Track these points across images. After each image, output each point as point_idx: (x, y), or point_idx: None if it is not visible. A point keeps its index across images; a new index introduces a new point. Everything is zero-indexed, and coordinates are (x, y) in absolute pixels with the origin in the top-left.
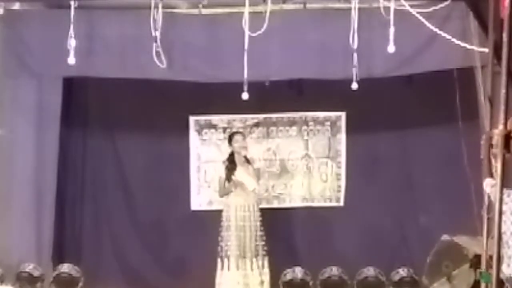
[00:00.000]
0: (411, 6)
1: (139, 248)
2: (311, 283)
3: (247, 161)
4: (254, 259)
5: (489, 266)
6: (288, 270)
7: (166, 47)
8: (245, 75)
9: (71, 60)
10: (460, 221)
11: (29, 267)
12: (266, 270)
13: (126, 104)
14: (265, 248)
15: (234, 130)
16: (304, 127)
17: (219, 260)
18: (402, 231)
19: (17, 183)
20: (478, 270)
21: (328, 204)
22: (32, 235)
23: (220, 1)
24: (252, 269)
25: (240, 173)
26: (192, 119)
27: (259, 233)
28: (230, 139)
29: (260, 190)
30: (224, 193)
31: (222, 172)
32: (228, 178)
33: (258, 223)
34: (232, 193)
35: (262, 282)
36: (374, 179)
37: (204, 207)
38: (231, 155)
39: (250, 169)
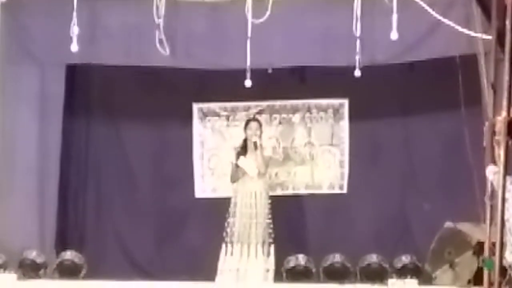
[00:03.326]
0: None
1: (143, 235)
2: (314, 270)
3: (256, 147)
4: (259, 246)
5: (492, 253)
6: (291, 257)
7: (169, 34)
8: (248, 63)
9: (74, 47)
10: (463, 208)
11: (32, 254)
12: (272, 258)
13: (129, 91)
14: (272, 236)
15: (250, 116)
16: (307, 114)
17: (223, 245)
18: (405, 218)
19: (20, 171)
20: (481, 257)
21: (331, 191)
22: (35, 223)
23: None
24: (256, 256)
25: (242, 160)
26: (195, 106)
27: (266, 220)
28: (245, 126)
29: (269, 178)
30: (235, 179)
31: (233, 158)
32: (238, 164)
33: (266, 211)
34: (241, 179)
35: (267, 270)
36: (377, 166)
37: (208, 194)
38: (245, 141)
39: (259, 156)
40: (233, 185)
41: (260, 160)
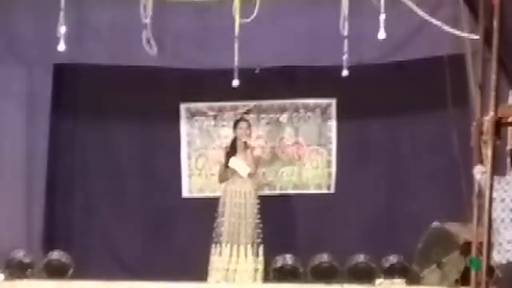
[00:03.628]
0: None
1: (130, 235)
2: (301, 270)
3: (247, 147)
4: (248, 246)
5: (479, 253)
6: (279, 257)
7: (156, 34)
8: (236, 62)
9: (61, 47)
10: (451, 208)
11: (19, 254)
12: (261, 258)
13: (116, 91)
14: (261, 236)
15: (240, 116)
16: (295, 114)
17: (213, 245)
18: (392, 218)
19: (7, 170)
20: (468, 257)
21: (319, 191)
22: (23, 222)
23: None
24: (246, 256)
25: (233, 160)
26: (182, 106)
27: (255, 220)
28: (235, 125)
29: (258, 178)
30: (223, 179)
31: (222, 158)
32: (226, 164)
33: (255, 211)
34: (230, 179)
35: (256, 270)
36: (365, 166)
37: (195, 194)
38: (234, 141)
39: (249, 156)
40: (222, 185)
41: (251, 160)
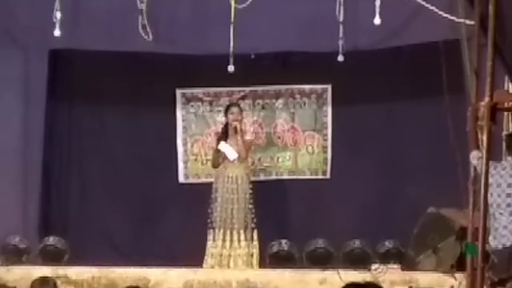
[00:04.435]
0: None
1: (126, 221)
2: (297, 255)
3: (236, 132)
4: (242, 231)
5: (475, 238)
6: (274, 242)
7: (152, 19)
8: (231, 48)
9: (57, 32)
10: (446, 194)
11: (15, 240)
12: (255, 243)
13: (112, 77)
14: (255, 220)
15: (231, 101)
16: (290, 100)
17: (209, 231)
18: (388, 203)
19: (2, 156)
20: (464, 242)
21: (314, 176)
22: (19, 208)
23: None
24: (239, 241)
25: (222, 144)
26: (178, 91)
27: (248, 205)
28: (226, 110)
29: (250, 162)
30: (216, 164)
31: (214, 143)
32: (219, 149)
33: (248, 196)
34: (222, 164)
35: (251, 255)
36: (361, 152)
37: (192, 180)
38: (225, 126)
39: (239, 141)
40: (214, 170)
41: (241, 144)
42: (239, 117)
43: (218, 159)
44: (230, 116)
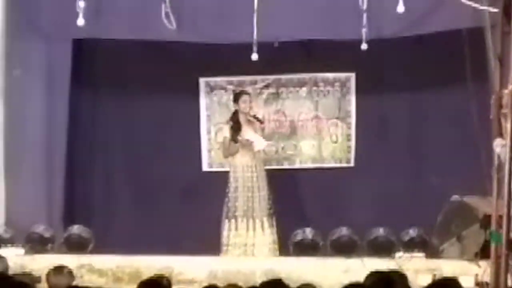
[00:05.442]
0: None
1: (150, 209)
2: (321, 243)
3: (257, 119)
4: (264, 219)
5: (499, 226)
6: (298, 231)
7: (175, 8)
8: (255, 36)
9: (80, 21)
10: (470, 181)
11: (40, 229)
12: (275, 229)
13: (135, 65)
14: (272, 207)
15: (240, 89)
16: (314, 88)
17: (226, 221)
18: (412, 191)
19: (27, 145)
20: (488, 230)
21: (338, 165)
22: (43, 197)
23: None
24: (263, 229)
25: (248, 133)
26: (202, 80)
27: (267, 192)
28: (237, 98)
29: (270, 151)
30: (229, 153)
31: (227, 132)
32: (234, 138)
33: (265, 183)
34: (238, 153)
35: (274, 241)
36: (384, 140)
37: (216, 168)
38: (235, 115)
39: (258, 128)
40: (230, 159)
41: (260, 132)
42: (251, 104)
43: (234, 148)
44: (242, 105)
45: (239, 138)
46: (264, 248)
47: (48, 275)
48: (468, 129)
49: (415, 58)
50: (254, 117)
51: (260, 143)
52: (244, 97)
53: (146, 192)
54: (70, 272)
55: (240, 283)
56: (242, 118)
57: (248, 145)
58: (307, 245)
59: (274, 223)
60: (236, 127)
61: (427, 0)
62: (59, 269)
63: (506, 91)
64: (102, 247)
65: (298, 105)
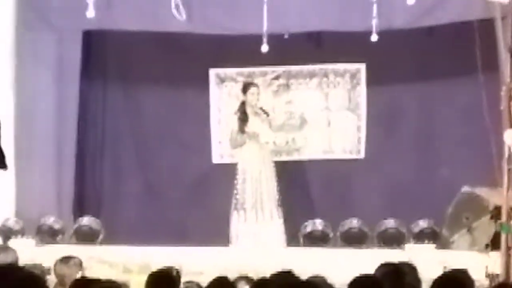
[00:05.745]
0: None
1: (160, 200)
2: (331, 235)
3: (264, 112)
4: (273, 210)
5: (509, 217)
6: (309, 222)
7: None
8: (265, 27)
9: (90, 13)
10: (481, 173)
11: (50, 220)
12: (282, 219)
13: (145, 57)
14: (280, 198)
15: (249, 81)
16: (324, 79)
17: (235, 212)
18: (422, 183)
19: (38, 137)
20: (498, 222)
21: (348, 156)
22: (53, 188)
23: None
24: (272, 219)
25: (256, 124)
26: (212, 71)
27: (274, 183)
28: (245, 90)
29: (280, 142)
30: (237, 144)
31: (234, 123)
32: (242, 129)
33: (273, 174)
34: (245, 145)
35: (282, 232)
36: (394, 131)
37: (226, 160)
38: (242, 105)
39: (265, 120)
40: (238, 150)
41: (268, 124)
42: (258, 96)
43: (242, 139)
44: (250, 97)
45: (246, 129)
46: (274, 238)
47: (55, 265)
48: (478, 121)
49: (425, 50)
50: (261, 109)
51: (267, 135)
52: (252, 89)
53: (156, 184)
54: (81, 264)
55: (250, 275)
56: (249, 110)
57: (256, 136)
58: (317, 236)
59: (281, 214)
60: (243, 118)
61: None
62: (66, 259)
63: None
64: (111, 239)
65: (308, 96)
